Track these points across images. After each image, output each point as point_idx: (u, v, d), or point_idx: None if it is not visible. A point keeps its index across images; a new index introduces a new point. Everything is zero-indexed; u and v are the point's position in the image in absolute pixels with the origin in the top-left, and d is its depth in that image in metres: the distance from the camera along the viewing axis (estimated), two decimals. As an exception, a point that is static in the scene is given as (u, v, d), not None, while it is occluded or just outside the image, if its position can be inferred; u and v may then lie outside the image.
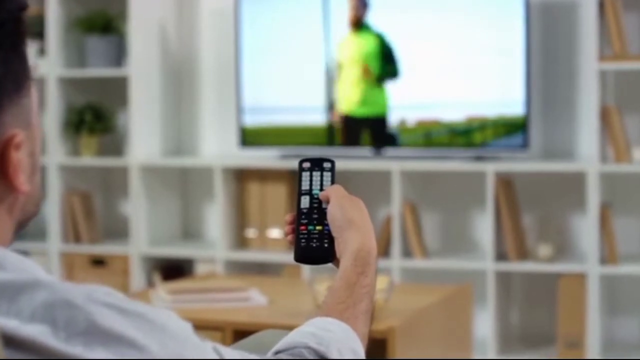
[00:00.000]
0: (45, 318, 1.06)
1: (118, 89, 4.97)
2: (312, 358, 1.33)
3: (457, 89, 4.48)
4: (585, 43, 4.42)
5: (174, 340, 1.11)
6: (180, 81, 5.08)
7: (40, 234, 4.97)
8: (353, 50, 4.61)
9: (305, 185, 1.56)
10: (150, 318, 1.10)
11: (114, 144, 5.09)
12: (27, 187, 1.17)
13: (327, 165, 1.57)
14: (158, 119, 4.96)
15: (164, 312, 1.13)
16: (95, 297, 1.08)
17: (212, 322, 3.10)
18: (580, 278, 4.31)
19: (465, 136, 4.49)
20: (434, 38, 4.50)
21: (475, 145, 4.48)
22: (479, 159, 4.48)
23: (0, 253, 1.11)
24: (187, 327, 1.15)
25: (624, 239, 4.44)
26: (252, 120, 4.75)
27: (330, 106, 4.64)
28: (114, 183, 5.17)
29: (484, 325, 4.45)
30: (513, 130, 4.41)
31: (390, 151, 4.58)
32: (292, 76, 4.70)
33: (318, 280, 3.07)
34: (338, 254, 1.49)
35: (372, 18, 4.57)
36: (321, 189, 1.55)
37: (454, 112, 4.49)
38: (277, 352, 1.35)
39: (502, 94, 4.43)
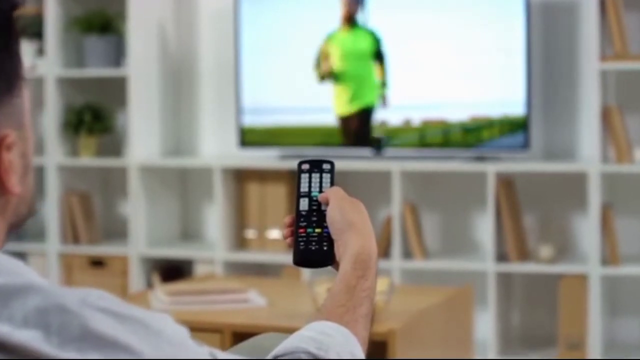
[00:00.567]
0: (38, 323, 1.04)
1: (117, 89, 4.96)
2: (311, 363, 1.31)
3: (458, 89, 4.47)
4: (586, 43, 4.41)
5: (169, 345, 1.09)
6: (179, 81, 5.06)
7: (39, 235, 4.96)
8: (346, 47, 4.60)
9: (304, 187, 1.53)
10: (146, 322, 1.09)
11: (113, 144, 5.08)
12: (19, 188, 1.16)
13: (326, 166, 1.55)
14: (157, 119, 4.94)
15: (160, 317, 1.11)
16: (89, 301, 1.06)
17: (211, 324, 3.08)
18: (582, 279, 4.30)
19: (466, 136, 4.47)
20: (434, 38, 4.48)
21: (475, 145, 4.47)
22: (480, 159, 4.46)
23: (-8, 256, 1.09)
24: (183, 332, 1.13)
25: (625, 239, 4.43)
26: (251, 121, 4.74)
27: (330, 107, 4.63)
28: (113, 183, 5.15)
29: (485, 326, 4.44)
30: (514, 130, 4.40)
31: (390, 151, 4.56)
32: (292, 76, 4.69)
33: (318, 282, 3.06)
34: (338, 257, 1.46)
35: (372, 18, 4.56)
36: (320, 191, 1.53)
37: (454, 113, 4.48)
38: (276, 357, 1.33)
39: (503, 94, 4.42)
